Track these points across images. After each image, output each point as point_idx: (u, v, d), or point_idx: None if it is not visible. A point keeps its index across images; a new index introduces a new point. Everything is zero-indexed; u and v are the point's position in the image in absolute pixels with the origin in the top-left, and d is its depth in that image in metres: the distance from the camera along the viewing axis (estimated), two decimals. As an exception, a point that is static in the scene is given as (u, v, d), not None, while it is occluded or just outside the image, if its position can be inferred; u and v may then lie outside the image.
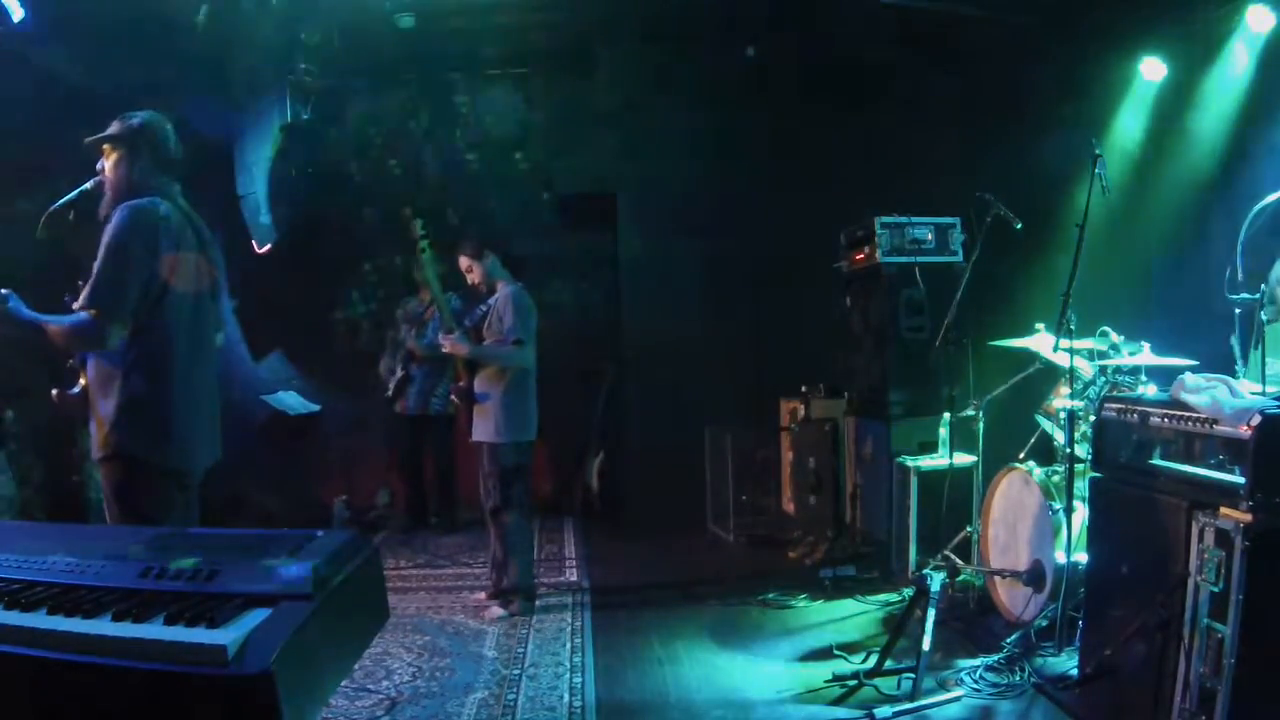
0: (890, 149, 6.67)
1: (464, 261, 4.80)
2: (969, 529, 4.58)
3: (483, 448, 4.73)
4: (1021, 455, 4.34)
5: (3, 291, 2.64)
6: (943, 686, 3.60)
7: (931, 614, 3.60)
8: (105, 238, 2.72)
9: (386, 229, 7.50)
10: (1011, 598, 4.17)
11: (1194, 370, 3.14)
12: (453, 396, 4.88)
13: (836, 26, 6.41)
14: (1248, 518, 2.60)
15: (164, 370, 2.79)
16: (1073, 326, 3.82)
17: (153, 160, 2.89)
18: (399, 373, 6.69)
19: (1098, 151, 3.88)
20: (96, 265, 2.70)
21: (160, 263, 2.74)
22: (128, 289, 2.68)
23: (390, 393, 6.71)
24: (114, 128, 2.90)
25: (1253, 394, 2.83)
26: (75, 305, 2.71)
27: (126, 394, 2.74)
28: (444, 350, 4.77)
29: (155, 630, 1.54)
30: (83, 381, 2.90)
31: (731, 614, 4.74)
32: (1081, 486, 3.78)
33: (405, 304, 6.94)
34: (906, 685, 3.54)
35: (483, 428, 4.70)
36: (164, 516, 2.74)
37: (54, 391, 2.97)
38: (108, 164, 2.89)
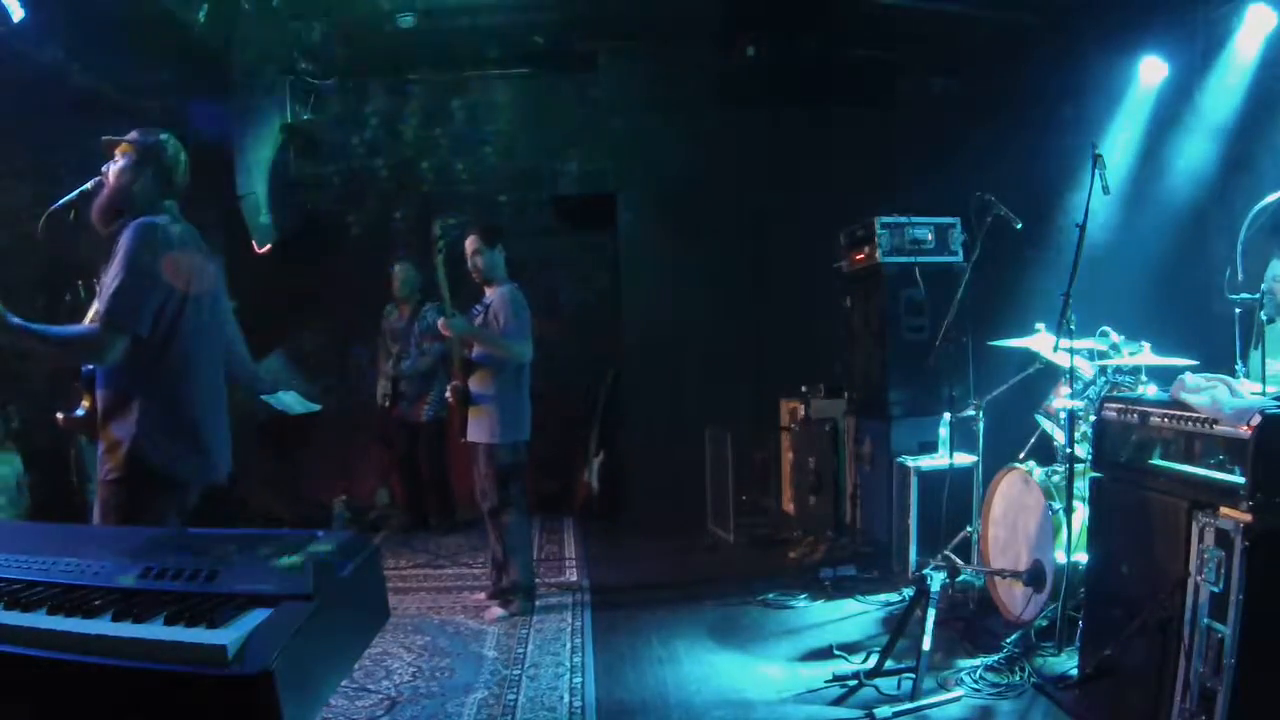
0: (890, 149, 6.67)
1: (472, 243, 4.79)
2: (969, 529, 4.58)
3: (478, 448, 4.72)
4: (1021, 455, 4.34)
5: None
6: (943, 686, 3.60)
7: (931, 614, 3.60)
8: (119, 254, 2.71)
9: (385, 229, 7.52)
10: (1011, 598, 4.17)
11: (1194, 370, 3.14)
12: (448, 395, 4.89)
13: (837, 26, 6.41)
14: (1248, 518, 2.60)
15: (188, 389, 2.79)
16: (1073, 326, 3.82)
17: (156, 179, 2.89)
18: (388, 380, 6.71)
19: (1098, 151, 3.87)
20: (111, 279, 2.68)
21: (175, 280, 2.73)
22: (143, 304, 2.67)
23: (386, 395, 6.72)
24: (132, 135, 2.90)
25: (1253, 394, 2.83)
26: (88, 318, 2.69)
27: (149, 414, 2.71)
28: (443, 334, 4.81)
29: (155, 630, 1.54)
30: (86, 403, 2.87)
31: (731, 614, 4.73)
32: (1081, 486, 3.78)
33: (387, 315, 6.89)
34: (906, 685, 3.54)
35: (478, 429, 4.69)
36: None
37: (59, 415, 2.96)
38: (114, 168, 2.89)
